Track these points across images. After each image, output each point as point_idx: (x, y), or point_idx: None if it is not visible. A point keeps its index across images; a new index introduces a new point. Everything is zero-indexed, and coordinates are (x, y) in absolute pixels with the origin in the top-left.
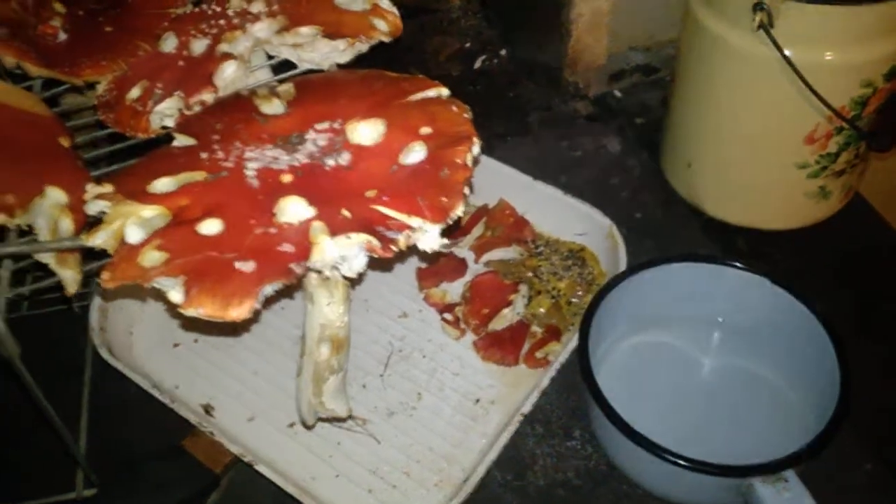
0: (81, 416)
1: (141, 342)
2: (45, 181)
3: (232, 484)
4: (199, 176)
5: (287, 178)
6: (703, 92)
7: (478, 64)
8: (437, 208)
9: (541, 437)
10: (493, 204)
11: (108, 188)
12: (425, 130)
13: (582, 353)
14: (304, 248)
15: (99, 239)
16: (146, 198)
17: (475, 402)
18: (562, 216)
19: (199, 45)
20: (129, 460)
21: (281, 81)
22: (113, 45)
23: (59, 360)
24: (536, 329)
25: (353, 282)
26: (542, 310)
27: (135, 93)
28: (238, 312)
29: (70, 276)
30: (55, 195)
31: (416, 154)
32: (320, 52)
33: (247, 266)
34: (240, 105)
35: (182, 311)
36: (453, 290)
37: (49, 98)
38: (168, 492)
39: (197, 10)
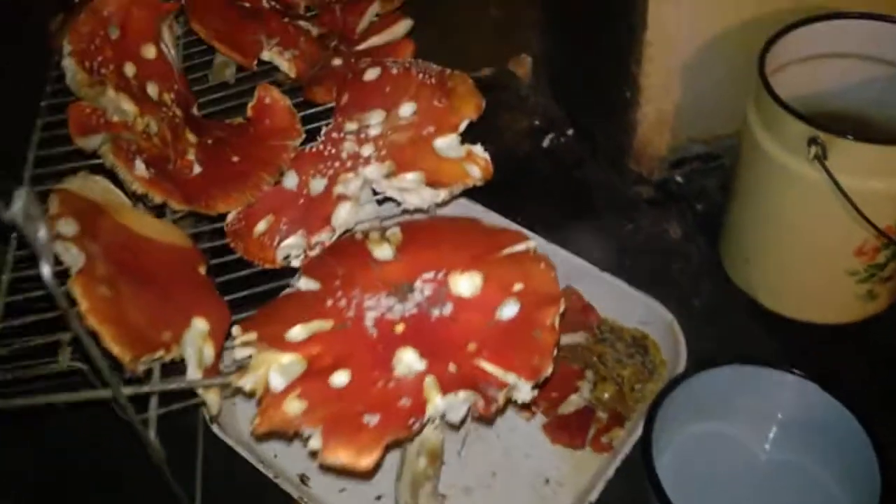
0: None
1: (244, 412)
2: (192, 312)
3: None
4: (327, 325)
5: (400, 329)
6: (759, 202)
7: (546, 142)
8: (530, 368)
9: None
10: (563, 288)
11: (252, 335)
12: (518, 287)
13: (646, 454)
14: (420, 403)
15: (248, 384)
16: (284, 345)
17: (545, 483)
18: (626, 305)
19: (317, 185)
20: None
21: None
22: (240, 177)
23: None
24: (601, 414)
25: None
26: (606, 395)
27: (262, 226)
28: (367, 462)
29: (213, 400)
30: (200, 325)
31: (510, 310)
32: (422, 198)
33: (373, 419)
34: (355, 249)
35: (319, 457)
36: None
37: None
38: None
39: (315, 150)
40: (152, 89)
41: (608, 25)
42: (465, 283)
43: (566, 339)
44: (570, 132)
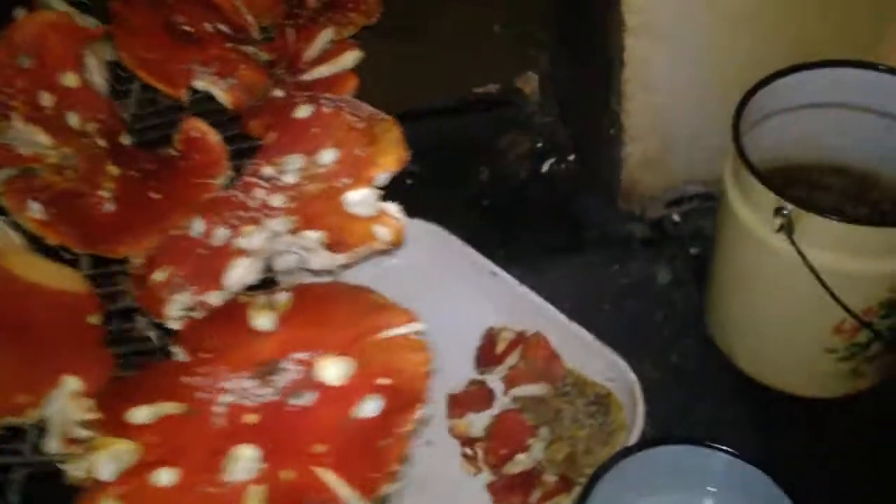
0: None
1: None
2: (62, 370)
3: None
4: (174, 409)
5: (250, 419)
6: (734, 265)
7: (545, 167)
8: (366, 484)
9: None
10: (530, 333)
11: (94, 415)
12: (384, 381)
13: None
14: None
15: (77, 471)
16: (125, 429)
17: None
18: (593, 359)
19: (220, 235)
20: None
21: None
22: (153, 219)
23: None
24: (549, 478)
25: None
26: (559, 457)
27: (159, 276)
28: None
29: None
30: (70, 383)
31: (369, 409)
32: (320, 262)
33: None
34: (234, 317)
35: None
36: (479, 420)
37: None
38: None
39: (227, 195)
40: (73, 119)
41: (592, 59)
42: (334, 370)
43: (526, 391)
44: (571, 157)
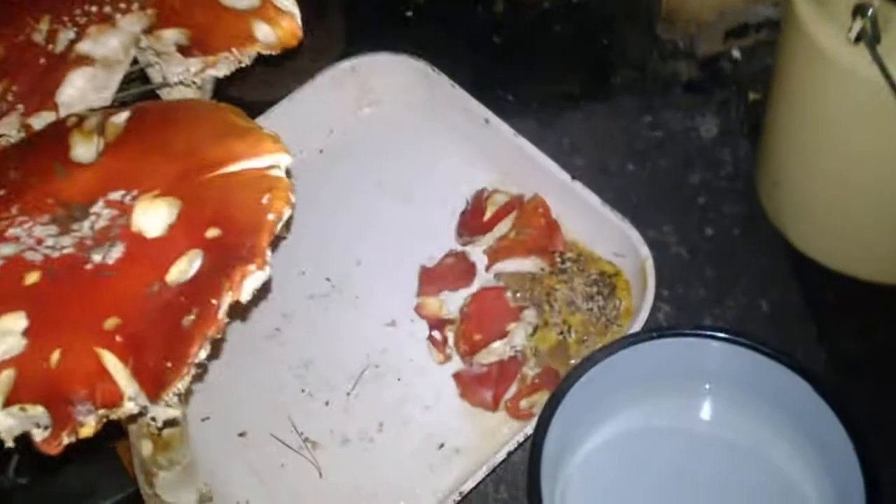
0: None
1: None
2: None
3: None
4: None
5: (31, 279)
6: (795, 106)
7: None
8: (153, 377)
9: None
10: (529, 197)
11: None
12: (212, 233)
13: (533, 466)
14: None
15: None
16: None
17: (439, 448)
18: (598, 229)
19: (64, 38)
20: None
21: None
22: (4, 21)
23: None
24: (530, 371)
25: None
26: (545, 347)
27: None
28: None
29: None
30: None
31: (185, 271)
32: (173, 71)
33: None
34: (52, 144)
35: None
36: (454, 300)
37: None
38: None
39: None
40: None
41: None
42: (154, 218)
43: (514, 265)
44: None
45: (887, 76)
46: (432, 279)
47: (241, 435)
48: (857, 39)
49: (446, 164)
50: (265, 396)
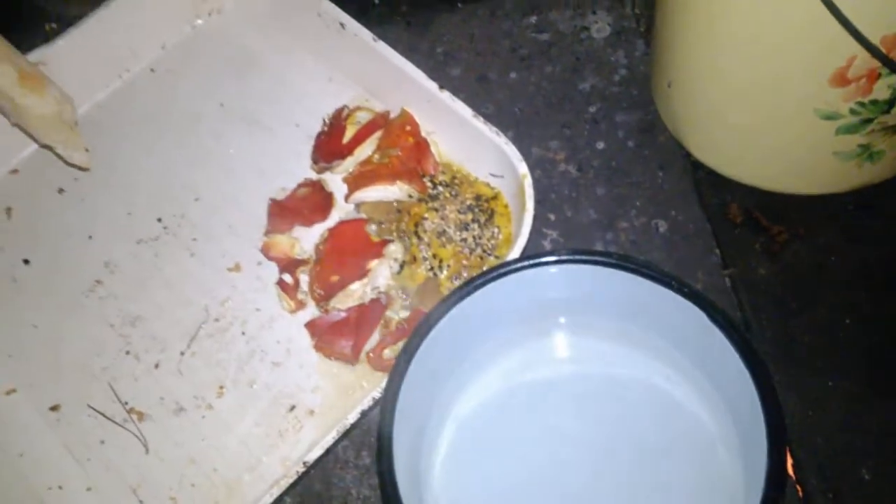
0: None
1: None
2: None
3: None
4: None
5: None
6: None
7: None
8: None
9: (365, 471)
10: (395, 114)
11: None
12: None
13: (383, 441)
14: None
15: None
16: None
17: (289, 410)
18: (474, 146)
19: None
20: None
21: None
22: None
23: None
24: (395, 315)
25: None
26: (412, 286)
27: None
28: None
29: None
30: None
31: None
32: None
33: None
34: None
35: None
36: (308, 237)
37: None
38: None
39: None
40: None
41: None
42: None
43: (377, 193)
44: None
45: None
46: (283, 214)
47: (54, 409)
48: None
49: (299, 80)
50: (82, 362)
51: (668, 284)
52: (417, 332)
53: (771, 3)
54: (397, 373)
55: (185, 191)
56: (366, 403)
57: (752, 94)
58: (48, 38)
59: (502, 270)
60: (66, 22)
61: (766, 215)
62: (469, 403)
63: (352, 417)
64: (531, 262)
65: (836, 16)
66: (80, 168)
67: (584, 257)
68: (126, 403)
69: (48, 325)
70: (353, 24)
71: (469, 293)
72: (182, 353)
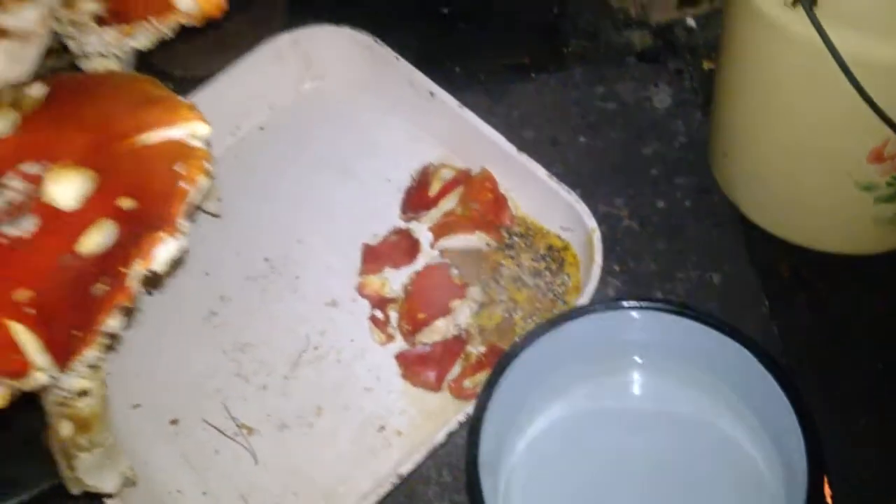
0: None
1: None
2: None
3: None
4: None
5: None
6: (742, 67)
7: None
8: (62, 347)
9: (445, 487)
10: (476, 171)
11: None
12: (126, 204)
13: (471, 454)
14: None
15: None
16: None
17: (379, 430)
18: (546, 202)
19: None
20: None
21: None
22: None
23: None
24: (475, 350)
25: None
26: (490, 325)
27: None
28: None
29: None
30: None
31: (98, 242)
32: (89, 42)
33: None
34: None
35: None
36: (397, 278)
37: None
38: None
39: None
40: None
41: None
42: (66, 188)
43: (459, 242)
44: None
45: (825, 38)
46: (375, 257)
47: (174, 422)
48: (795, 1)
49: (391, 139)
50: (199, 381)
51: (725, 332)
52: (503, 361)
53: (816, 93)
54: (482, 400)
55: (288, 234)
56: (452, 426)
57: (799, 166)
58: None
59: (584, 311)
60: (186, 86)
61: (811, 272)
62: (540, 427)
63: (440, 437)
64: (611, 305)
65: (871, 106)
66: (213, 215)
67: (655, 305)
68: (237, 419)
69: (170, 348)
70: (441, 92)
71: (551, 329)
72: (286, 377)
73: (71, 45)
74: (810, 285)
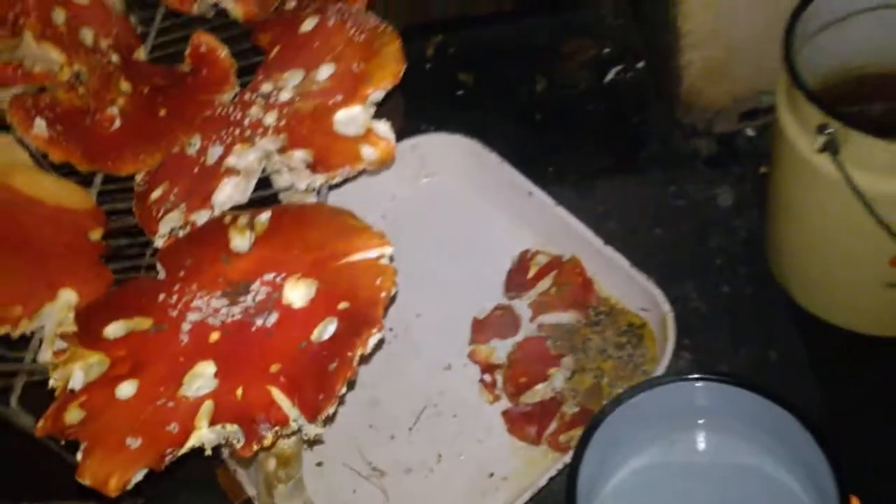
0: None
1: None
2: (62, 283)
3: None
4: (145, 324)
5: (214, 337)
6: (785, 193)
7: (610, 75)
8: (312, 405)
9: None
10: (567, 258)
11: (70, 328)
12: (343, 306)
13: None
14: (186, 430)
15: (55, 380)
16: (98, 341)
17: (489, 476)
18: (627, 286)
19: (214, 153)
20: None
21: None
22: (158, 136)
23: None
24: (569, 410)
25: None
26: (582, 388)
27: (156, 194)
28: (113, 487)
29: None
30: (66, 296)
31: (326, 332)
32: (303, 182)
33: (135, 443)
34: (214, 237)
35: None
36: (502, 347)
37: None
38: None
39: (224, 112)
40: (86, 35)
41: None
42: (299, 292)
43: (554, 318)
44: (640, 65)
45: (847, 178)
46: (483, 329)
47: (319, 465)
48: (823, 149)
49: (495, 229)
50: (339, 432)
51: (778, 401)
52: (594, 421)
53: (844, 217)
54: (578, 452)
55: (409, 308)
56: (552, 472)
57: (837, 267)
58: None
59: (659, 381)
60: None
61: (853, 350)
62: (622, 476)
63: (542, 482)
64: (681, 377)
65: (885, 229)
66: None
67: (716, 377)
68: (370, 463)
69: None
70: (538, 192)
71: (632, 396)
72: (410, 429)
73: (275, 178)
74: (852, 362)
